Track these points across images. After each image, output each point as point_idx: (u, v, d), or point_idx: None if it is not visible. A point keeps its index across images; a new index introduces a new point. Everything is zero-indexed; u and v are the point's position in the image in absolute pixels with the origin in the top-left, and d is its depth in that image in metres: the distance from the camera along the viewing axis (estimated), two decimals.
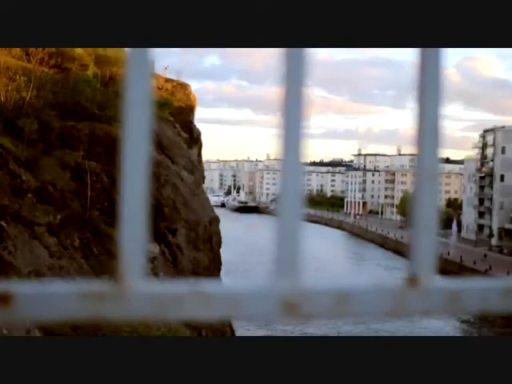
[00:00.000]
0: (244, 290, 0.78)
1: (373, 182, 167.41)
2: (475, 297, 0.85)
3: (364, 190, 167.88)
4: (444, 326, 48.23)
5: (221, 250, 44.01)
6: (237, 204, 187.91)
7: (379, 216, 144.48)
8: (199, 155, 51.39)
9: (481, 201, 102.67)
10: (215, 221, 44.28)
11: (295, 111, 0.79)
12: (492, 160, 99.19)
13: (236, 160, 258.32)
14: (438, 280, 0.83)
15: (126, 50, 0.78)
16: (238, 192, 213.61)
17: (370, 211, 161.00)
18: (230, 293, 0.78)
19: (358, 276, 68.83)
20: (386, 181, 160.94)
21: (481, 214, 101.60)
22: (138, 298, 0.77)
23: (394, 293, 0.82)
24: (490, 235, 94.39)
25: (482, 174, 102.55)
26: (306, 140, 0.80)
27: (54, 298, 0.76)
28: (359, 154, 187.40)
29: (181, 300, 0.77)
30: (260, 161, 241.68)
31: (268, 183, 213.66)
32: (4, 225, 27.92)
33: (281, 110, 0.79)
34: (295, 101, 0.79)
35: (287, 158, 0.79)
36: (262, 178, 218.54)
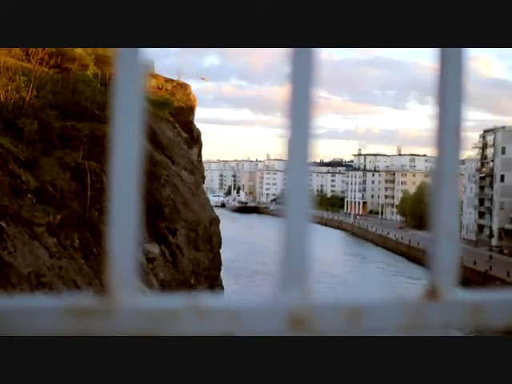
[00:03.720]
0: (246, 305, 0.72)
1: (373, 182, 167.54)
2: (499, 310, 0.79)
3: (364, 190, 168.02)
4: None
5: (220, 250, 44.05)
6: (237, 204, 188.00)
7: (379, 216, 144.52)
8: (199, 155, 51.43)
9: (481, 201, 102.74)
10: (215, 221, 44.31)
11: (302, 111, 0.76)
12: (492, 160, 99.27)
13: (236, 160, 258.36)
14: (459, 292, 0.77)
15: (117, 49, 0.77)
16: (237, 192, 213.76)
17: (370, 211, 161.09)
18: (230, 308, 0.72)
19: (359, 276, 68.72)
20: (386, 181, 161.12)
21: (481, 215, 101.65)
22: (129, 314, 0.70)
23: (412, 306, 0.76)
24: (490, 235, 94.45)
25: (482, 175, 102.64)
26: (313, 140, 0.76)
27: (38, 313, 0.70)
28: (359, 154, 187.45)
29: (175, 316, 0.71)
30: (260, 161, 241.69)
31: (268, 183, 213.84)
32: (4, 225, 27.92)
33: (288, 110, 0.76)
34: (302, 101, 0.76)
35: (294, 158, 0.74)
36: (262, 178, 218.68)
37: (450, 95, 0.79)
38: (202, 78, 53.06)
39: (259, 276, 61.25)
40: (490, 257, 77.82)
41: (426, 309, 0.76)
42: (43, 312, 0.70)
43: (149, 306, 0.71)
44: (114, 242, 0.71)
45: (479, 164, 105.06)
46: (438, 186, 0.77)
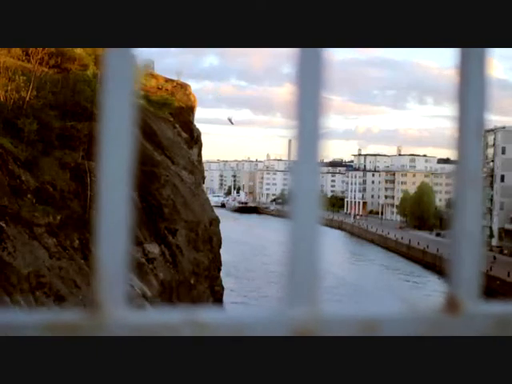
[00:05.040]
0: (250, 319, 0.65)
1: (373, 182, 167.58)
2: None
3: (364, 190, 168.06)
4: None
5: (220, 251, 44.07)
6: (237, 204, 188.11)
7: (379, 216, 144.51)
8: (199, 155, 51.45)
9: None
10: (215, 221, 44.31)
11: (310, 111, 0.73)
12: (492, 160, 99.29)
13: (236, 160, 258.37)
14: (481, 304, 0.70)
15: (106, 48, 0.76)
16: (238, 192, 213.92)
17: (370, 211, 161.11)
18: (232, 323, 0.65)
19: (361, 276, 68.71)
20: (386, 181, 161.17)
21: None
22: (119, 330, 0.63)
23: (431, 320, 0.69)
24: (491, 236, 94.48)
25: (483, 175, 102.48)
26: (322, 140, 0.73)
27: (17, 329, 0.63)
28: (359, 155, 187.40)
29: (172, 331, 0.64)
30: (260, 161, 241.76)
31: (268, 183, 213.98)
32: (3, 225, 27.92)
33: (296, 110, 0.74)
34: (310, 101, 0.73)
35: (302, 158, 0.70)
36: (262, 178, 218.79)
37: (471, 96, 0.75)
38: (232, 122, 53.32)
39: (261, 276, 61.31)
40: (494, 257, 77.38)
41: (445, 322, 0.69)
42: (21, 328, 0.63)
43: (142, 321, 0.64)
44: (103, 251, 0.63)
45: None
46: (461, 189, 0.71)
